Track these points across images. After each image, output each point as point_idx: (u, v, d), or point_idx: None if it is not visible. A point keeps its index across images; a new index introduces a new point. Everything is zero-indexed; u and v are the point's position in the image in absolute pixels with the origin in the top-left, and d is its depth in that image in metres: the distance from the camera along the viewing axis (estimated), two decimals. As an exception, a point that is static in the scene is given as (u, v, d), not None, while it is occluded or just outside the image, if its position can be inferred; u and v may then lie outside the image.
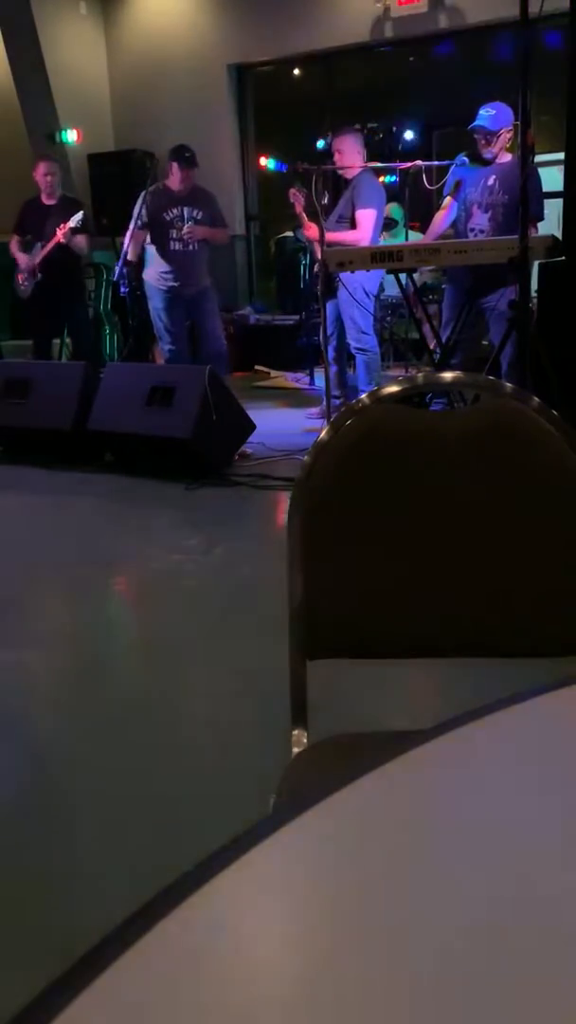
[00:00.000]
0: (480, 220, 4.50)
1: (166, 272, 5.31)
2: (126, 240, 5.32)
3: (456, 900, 0.46)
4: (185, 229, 5.20)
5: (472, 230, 4.52)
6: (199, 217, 5.26)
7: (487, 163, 4.52)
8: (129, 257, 5.30)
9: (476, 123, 4.44)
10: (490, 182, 4.48)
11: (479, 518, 1.05)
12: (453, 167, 4.69)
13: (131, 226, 5.30)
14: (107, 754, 2.06)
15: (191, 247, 5.27)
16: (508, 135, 4.45)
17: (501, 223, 4.39)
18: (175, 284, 5.31)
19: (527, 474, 1.03)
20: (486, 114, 4.42)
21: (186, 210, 5.23)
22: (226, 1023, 0.38)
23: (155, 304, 5.43)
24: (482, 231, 4.47)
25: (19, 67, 8.02)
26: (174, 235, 5.24)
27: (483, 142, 4.47)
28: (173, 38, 8.39)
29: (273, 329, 8.35)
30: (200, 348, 5.52)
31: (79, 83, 8.39)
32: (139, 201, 5.29)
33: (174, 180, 5.27)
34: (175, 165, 5.22)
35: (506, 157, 4.50)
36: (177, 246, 5.26)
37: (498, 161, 4.49)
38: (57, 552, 3.58)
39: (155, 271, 5.35)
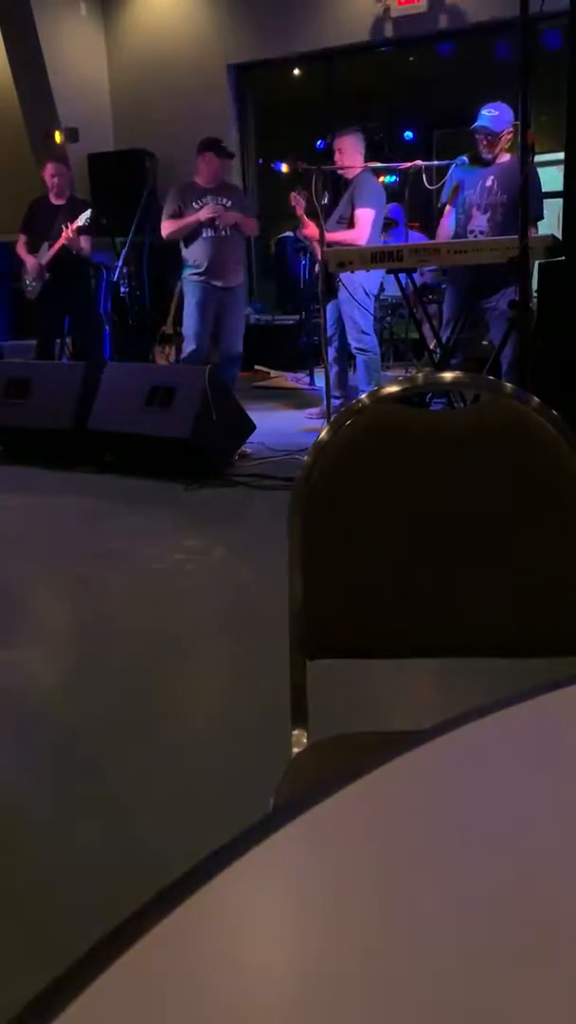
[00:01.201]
0: (480, 222, 4.49)
1: (198, 263, 5.29)
2: (167, 228, 5.32)
3: (457, 900, 0.46)
4: (210, 208, 5.18)
5: (472, 232, 4.51)
6: (228, 205, 5.28)
7: (485, 164, 4.51)
8: (166, 236, 5.36)
9: (479, 123, 4.43)
10: (488, 183, 4.47)
11: (479, 518, 1.05)
12: (451, 169, 4.69)
13: (163, 218, 5.33)
14: (107, 753, 2.06)
15: (223, 232, 5.26)
16: (509, 136, 4.43)
17: (501, 223, 4.38)
18: (207, 275, 5.29)
19: (527, 474, 1.03)
20: (488, 115, 4.40)
21: (214, 198, 5.26)
22: (226, 1023, 0.38)
23: (188, 300, 5.39)
24: (482, 232, 4.46)
25: (19, 67, 8.01)
26: (205, 222, 5.26)
27: (485, 143, 4.46)
28: (173, 38, 8.38)
29: (273, 329, 8.35)
30: (217, 344, 5.51)
31: (79, 83, 8.39)
32: (168, 196, 5.33)
33: (203, 174, 5.28)
34: (210, 155, 5.24)
35: (504, 157, 4.48)
36: (209, 233, 5.25)
37: (497, 162, 4.49)
38: (57, 552, 3.58)
39: (186, 267, 5.36)
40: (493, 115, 4.39)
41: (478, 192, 4.51)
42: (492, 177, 4.46)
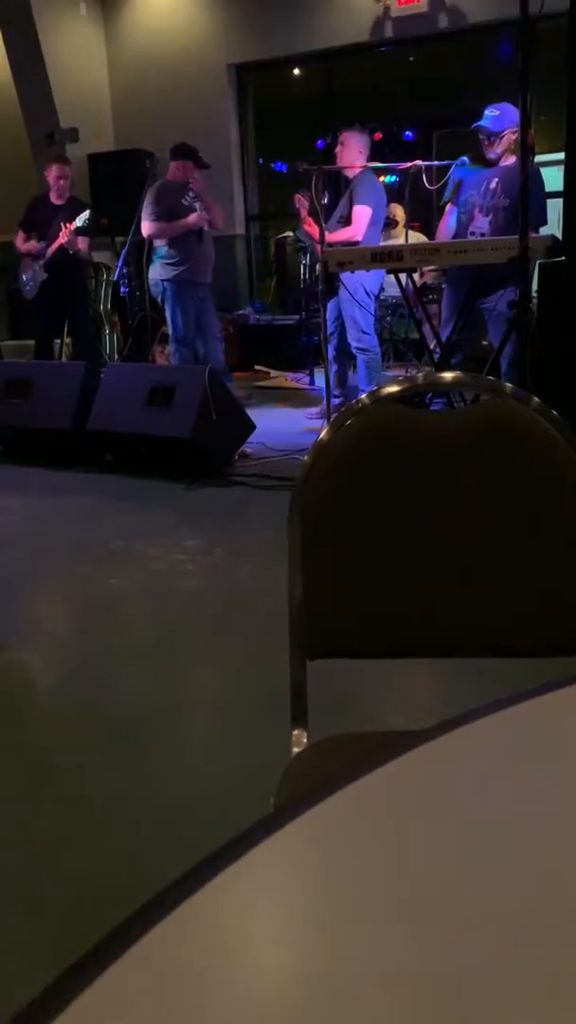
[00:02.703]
0: (481, 223, 4.49)
1: (183, 263, 5.32)
2: (153, 229, 5.36)
3: (456, 900, 0.46)
4: (197, 215, 5.28)
5: (473, 233, 4.50)
6: (200, 207, 5.40)
7: (489, 164, 4.50)
8: (156, 242, 5.41)
9: (480, 122, 4.43)
10: (492, 185, 4.46)
11: (479, 518, 1.05)
12: (453, 168, 4.69)
13: (147, 219, 5.35)
14: (106, 753, 2.06)
15: (208, 232, 5.40)
16: (512, 136, 4.40)
17: (502, 226, 4.37)
18: (197, 275, 5.36)
19: (527, 474, 1.03)
20: (490, 114, 4.40)
21: (196, 200, 5.38)
22: (226, 1023, 0.38)
23: (172, 302, 5.40)
24: (483, 234, 4.45)
25: (19, 67, 8.01)
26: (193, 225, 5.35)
27: (486, 142, 4.46)
28: (173, 38, 8.38)
29: (273, 329, 8.35)
30: (203, 349, 5.53)
31: (79, 83, 8.39)
32: (150, 196, 5.37)
33: (178, 175, 5.37)
34: (190, 164, 5.35)
35: (509, 159, 4.46)
36: (201, 232, 5.37)
37: (501, 164, 4.48)
38: (57, 552, 3.58)
39: (170, 267, 5.36)
40: (494, 115, 4.39)
41: (481, 193, 4.49)
42: (496, 179, 4.45)
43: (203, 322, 5.47)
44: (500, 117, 4.38)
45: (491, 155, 4.47)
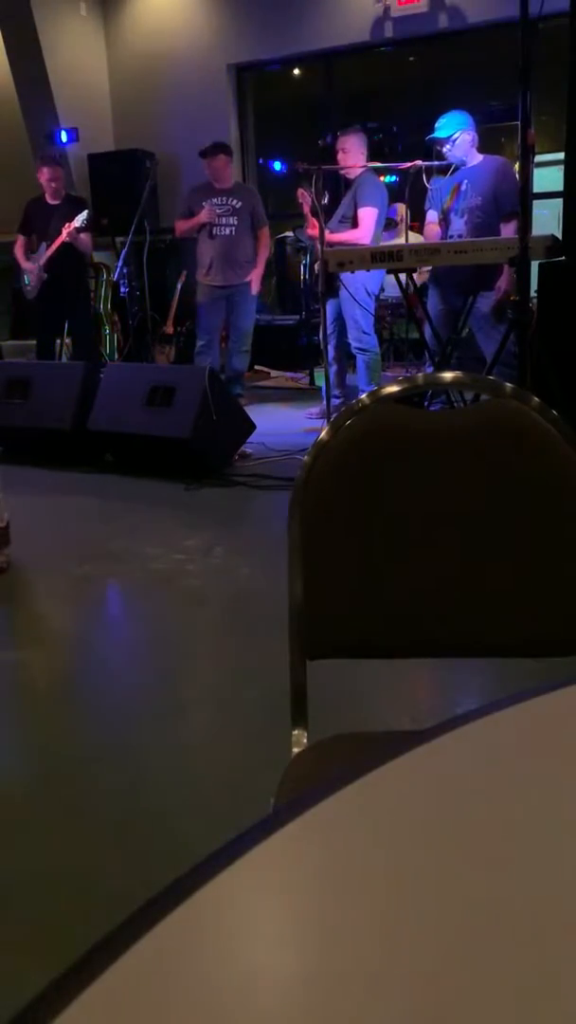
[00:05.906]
0: (457, 225, 4.60)
1: (206, 267, 5.63)
2: (176, 229, 5.75)
3: (456, 900, 0.46)
4: (206, 212, 5.42)
5: (451, 236, 4.60)
6: (238, 206, 5.57)
7: (457, 168, 4.65)
8: (178, 235, 5.85)
9: (431, 135, 4.63)
10: (462, 187, 4.59)
11: (479, 518, 1.05)
12: (431, 182, 4.79)
13: (176, 219, 5.81)
14: (106, 754, 2.06)
15: (228, 232, 5.47)
16: (467, 137, 4.58)
17: (478, 223, 4.50)
18: (214, 278, 5.61)
19: (527, 474, 1.03)
20: (437, 125, 4.62)
21: (224, 198, 5.58)
22: (226, 1023, 0.38)
23: (198, 299, 5.76)
24: (460, 236, 4.56)
25: (19, 67, 8.00)
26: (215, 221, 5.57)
27: (440, 149, 4.64)
28: (173, 38, 8.37)
29: (273, 329, 8.34)
30: (227, 346, 5.76)
31: (79, 83, 8.38)
32: (184, 197, 5.82)
33: (213, 174, 5.67)
34: (205, 160, 5.65)
35: (476, 159, 4.61)
36: (224, 232, 5.58)
37: (468, 165, 4.60)
38: (57, 552, 3.58)
39: (200, 269, 5.70)
40: (441, 123, 4.61)
41: (454, 197, 4.60)
42: (465, 181, 4.59)
43: (229, 325, 5.61)
44: (446, 124, 4.58)
45: (452, 158, 4.61)
